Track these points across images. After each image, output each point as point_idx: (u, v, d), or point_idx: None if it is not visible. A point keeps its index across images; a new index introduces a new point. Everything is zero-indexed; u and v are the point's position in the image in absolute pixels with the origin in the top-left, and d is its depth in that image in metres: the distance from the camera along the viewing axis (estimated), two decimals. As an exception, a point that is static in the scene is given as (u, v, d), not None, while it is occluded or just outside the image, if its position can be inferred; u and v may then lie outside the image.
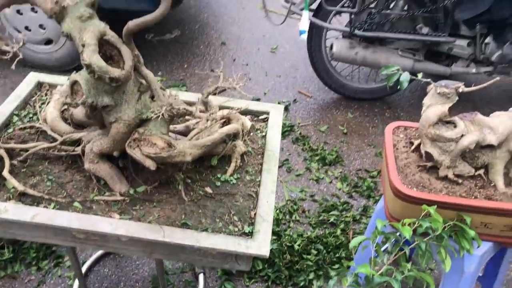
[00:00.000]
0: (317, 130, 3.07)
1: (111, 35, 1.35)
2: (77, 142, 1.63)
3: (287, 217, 2.47)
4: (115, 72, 1.30)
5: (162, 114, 1.35)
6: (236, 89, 1.46)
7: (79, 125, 1.71)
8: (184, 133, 1.69)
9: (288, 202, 2.54)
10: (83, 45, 1.29)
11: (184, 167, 1.60)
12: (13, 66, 1.45)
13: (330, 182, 2.70)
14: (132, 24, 1.32)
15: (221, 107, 1.71)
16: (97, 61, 1.27)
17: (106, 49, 1.36)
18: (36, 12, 3.16)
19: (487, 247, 1.61)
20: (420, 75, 1.50)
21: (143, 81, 1.45)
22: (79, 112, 1.67)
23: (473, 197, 1.51)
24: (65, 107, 1.75)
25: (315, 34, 3.06)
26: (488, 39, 2.94)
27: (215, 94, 1.56)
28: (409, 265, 1.37)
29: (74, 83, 1.36)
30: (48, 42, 3.29)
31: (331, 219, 2.46)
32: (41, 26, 3.22)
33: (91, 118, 1.52)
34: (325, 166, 2.80)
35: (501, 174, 1.55)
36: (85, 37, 1.29)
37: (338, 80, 3.27)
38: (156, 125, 1.46)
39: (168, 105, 1.36)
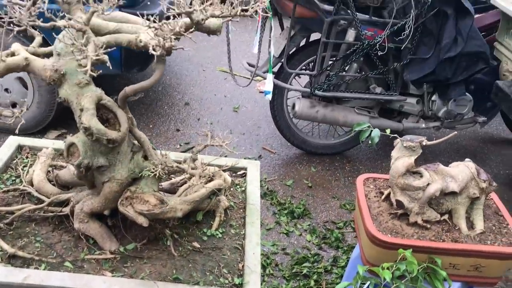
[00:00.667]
0: (284, 185, 3.19)
1: (107, 100, 1.44)
2: (64, 203, 1.66)
3: (261, 271, 2.52)
4: (113, 134, 1.38)
5: (158, 172, 1.43)
6: (223, 146, 1.56)
7: (64, 186, 1.74)
8: (169, 190, 1.77)
9: (261, 256, 2.60)
10: (81, 110, 1.36)
11: (171, 223, 1.66)
12: None
13: (300, 235, 2.80)
14: (129, 89, 1.42)
15: (205, 164, 1.81)
16: (96, 124, 1.35)
17: (102, 113, 1.44)
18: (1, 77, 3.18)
19: (456, 287, 1.74)
20: (388, 131, 1.67)
21: (136, 142, 1.53)
22: (65, 174, 1.72)
23: (441, 240, 1.65)
24: (50, 169, 1.78)
25: (278, 94, 3.24)
26: (434, 97, 3.23)
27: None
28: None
29: (70, 145, 1.42)
30: (13, 105, 3.30)
31: (304, 271, 2.53)
32: (6, 90, 3.24)
33: (82, 178, 1.57)
34: (294, 220, 2.90)
35: (463, 218, 1.71)
36: (84, 102, 1.37)
37: (300, 136, 3.44)
38: (148, 183, 1.53)
39: (162, 163, 1.44)
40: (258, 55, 2.96)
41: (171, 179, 1.83)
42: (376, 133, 1.64)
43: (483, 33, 3.10)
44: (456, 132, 1.75)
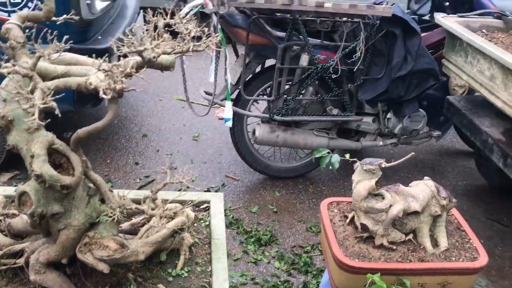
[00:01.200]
0: (249, 212, 3.16)
1: (59, 144, 1.38)
2: (18, 254, 1.57)
3: (231, 303, 2.47)
4: (67, 179, 1.32)
5: (116, 216, 1.38)
6: (183, 183, 1.52)
7: (17, 236, 1.66)
8: (130, 231, 1.71)
9: (230, 288, 2.55)
10: (32, 156, 1.31)
11: (133, 266, 1.60)
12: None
13: (268, 263, 2.76)
14: (82, 131, 1.37)
15: (165, 201, 1.76)
16: (48, 170, 1.29)
17: (54, 158, 1.38)
18: None
19: (426, 306, 1.75)
20: (347, 156, 1.68)
21: (92, 185, 1.47)
22: (18, 222, 1.63)
23: (408, 261, 1.66)
24: (2, 218, 1.69)
25: (237, 121, 3.23)
26: (389, 115, 3.31)
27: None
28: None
29: (22, 194, 1.35)
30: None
31: (275, 300, 2.50)
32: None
33: (36, 227, 1.49)
34: (262, 247, 2.86)
35: (428, 237, 1.73)
36: (34, 148, 1.31)
37: (262, 161, 3.44)
38: (107, 227, 1.47)
39: (121, 206, 1.39)
40: (215, 83, 2.95)
41: (131, 219, 1.77)
42: (335, 158, 1.64)
43: (430, 51, 3.21)
44: (413, 153, 1.78)
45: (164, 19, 1.43)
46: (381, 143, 3.39)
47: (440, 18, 2.95)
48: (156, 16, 1.44)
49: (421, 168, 3.73)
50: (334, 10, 2.83)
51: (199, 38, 1.46)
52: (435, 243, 1.75)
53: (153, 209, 1.44)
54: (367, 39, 2.98)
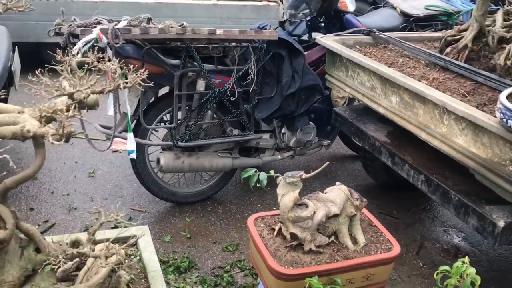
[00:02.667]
0: (162, 242, 3.13)
1: (-15, 197, 1.29)
2: None
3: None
4: (0, 234, 1.24)
5: (61, 263, 1.32)
6: (118, 219, 1.51)
7: None
8: (63, 278, 1.63)
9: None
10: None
11: (72, 314, 1.53)
12: None
13: (191, 288, 2.77)
14: (10, 181, 1.30)
15: (96, 242, 1.71)
16: (-22, 227, 1.21)
17: (-19, 213, 1.29)
18: None
19: (354, 300, 1.92)
20: (272, 172, 1.79)
21: (23, 236, 1.39)
22: None
23: (335, 261, 1.82)
24: None
25: (138, 152, 3.19)
26: (284, 130, 3.53)
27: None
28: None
29: None
30: None
31: (205, 324, 2.51)
32: None
33: (-38, 291, 1.36)
34: (182, 274, 2.85)
35: (348, 236, 1.91)
36: (-42, 205, 1.22)
37: (167, 189, 3.43)
38: (44, 277, 1.40)
39: (62, 252, 1.33)
40: (115, 116, 2.90)
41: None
42: (263, 176, 1.75)
43: (312, 68, 3.51)
44: (328, 162, 1.96)
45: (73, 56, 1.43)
46: (279, 157, 3.60)
47: (320, 38, 3.25)
48: (66, 55, 1.43)
49: (316, 176, 4.00)
50: (226, 36, 2.97)
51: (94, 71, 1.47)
52: (354, 241, 1.93)
53: (93, 250, 1.40)
54: (257, 62, 3.17)
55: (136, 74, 1.34)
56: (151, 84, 1.51)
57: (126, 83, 1.33)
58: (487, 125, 2.00)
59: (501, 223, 2.07)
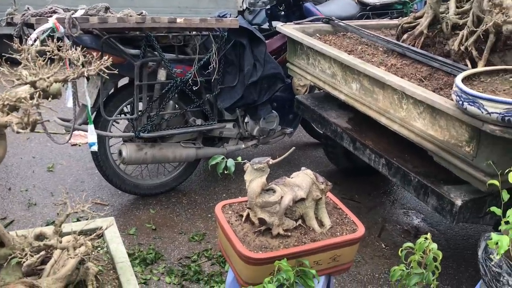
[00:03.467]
0: (127, 235, 3.09)
1: None
2: None
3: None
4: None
5: (27, 256, 1.29)
6: (85, 210, 1.48)
7: None
8: (29, 273, 1.59)
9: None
10: None
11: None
12: None
13: (159, 280, 2.75)
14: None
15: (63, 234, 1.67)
16: None
17: None
18: None
19: (322, 281, 1.97)
20: (239, 158, 1.80)
21: (-15, 230, 1.35)
22: None
23: (303, 243, 1.85)
24: None
25: (100, 144, 3.13)
26: (247, 119, 3.54)
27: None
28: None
29: None
30: None
31: (174, 314, 2.50)
32: None
33: None
34: (148, 266, 2.83)
35: (314, 219, 1.95)
36: None
37: (130, 182, 3.38)
38: (9, 272, 1.36)
39: (27, 245, 1.30)
40: (75, 108, 2.82)
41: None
42: (231, 163, 1.76)
43: (274, 56, 3.53)
44: (294, 148, 1.98)
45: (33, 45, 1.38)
46: (243, 146, 3.61)
47: (280, 26, 3.27)
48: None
49: (280, 164, 4.04)
50: (186, 25, 2.94)
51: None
52: (320, 224, 1.97)
53: (61, 242, 1.37)
54: (219, 51, 3.16)
55: (100, 61, 1.32)
56: (115, 72, 1.48)
57: (90, 70, 1.30)
58: (444, 108, 2.08)
59: (459, 202, 2.16)
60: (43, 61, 1.37)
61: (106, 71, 1.36)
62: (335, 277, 2.73)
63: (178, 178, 3.54)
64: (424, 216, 3.52)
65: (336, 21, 3.33)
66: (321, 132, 3.82)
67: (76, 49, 1.34)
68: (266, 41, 3.52)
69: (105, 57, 1.43)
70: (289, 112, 3.75)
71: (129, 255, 2.86)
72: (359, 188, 3.80)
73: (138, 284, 2.69)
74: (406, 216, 3.53)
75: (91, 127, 2.85)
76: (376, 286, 2.80)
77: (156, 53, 2.98)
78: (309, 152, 4.40)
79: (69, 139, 2.91)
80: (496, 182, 1.81)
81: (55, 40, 1.47)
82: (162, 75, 3.09)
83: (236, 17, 3.34)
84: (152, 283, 2.72)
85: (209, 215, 3.34)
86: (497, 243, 1.48)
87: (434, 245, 1.55)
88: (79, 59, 1.30)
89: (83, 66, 1.42)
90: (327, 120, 3.02)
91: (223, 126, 3.41)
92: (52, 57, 1.43)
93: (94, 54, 2.85)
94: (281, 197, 1.84)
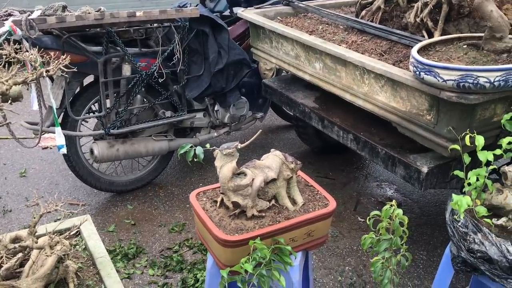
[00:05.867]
0: (106, 232, 3.10)
1: None
2: None
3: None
4: None
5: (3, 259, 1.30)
6: (58, 210, 1.50)
7: None
8: (7, 276, 1.60)
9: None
10: None
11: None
12: None
13: (142, 273, 2.77)
14: None
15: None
16: None
17: None
18: None
19: (299, 257, 2.02)
20: (208, 145, 1.83)
21: (-42, 238, 1.35)
22: None
23: (277, 222, 1.90)
24: None
25: (70, 145, 3.12)
26: (217, 107, 3.56)
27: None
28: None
29: None
30: None
31: (160, 304, 2.54)
32: None
33: None
34: (131, 261, 2.85)
35: (287, 198, 2.00)
36: None
37: (105, 179, 3.38)
38: (-13, 277, 1.37)
39: (2, 248, 1.31)
40: (41, 110, 2.80)
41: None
42: (200, 150, 1.78)
43: (238, 42, 3.55)
44: (261, 130, 2.02)
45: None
46: (215, 134, 3.64)
47: (241, 12, 3.29)
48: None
49: (253, 148, 4.09)
50: (146, 17, 2.93)
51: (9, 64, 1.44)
52: (293, 202, 2.02)
53: (36, 243, 1.39)
54: (182, 41, 3.16)
55: (58, 61, 1.32)
56: (75, 70, 1.48)
57: (48, 71, 1.30)
58: (403, 79, 2.15)
59: (425, 169, 2.24)
60: (0, 64, 1.37)
61: (65, 70, 1.37)
62: (314, 252, 2.81)
63: (153, 172, 3.55)
64: (397, 187, 3.62)
65: (296, 3, 3.36)
66: (291, 114, 3.87)
67: (34, 49, 1.34)
68: (229, 28, 3.53)
69: (63, 56, 1.43)
70: (258, 97, 3.78)
71: (110, 251, 2.90)
72: (333, 166, 3.87)
73: (122, 279, 2.73)
74: (379, 188, 3.62)
75: (58, 129, 2.82)
76: (355, 258, 2.88)
77: (118, 48, 2.97)
78: (281, 134, 4.45)
79: (38, 142, 2.88)
80: (457, 146, 1.89)
81: (11, 43, 1.47)
82: (126, 70, 3.08)
83: (196, 5, 3.34)
84: (136, 276, 2.75)
85: (187, 206, 3.38)
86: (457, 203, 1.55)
87: (400, 211, 1.61)
88: (37, 60, 1.30)
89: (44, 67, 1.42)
90: (294, 102, 3.07)
91: (193, 116, 3.42)
92: (10, 60, 1.43)
93: (55, 54, 2.84)
94: (252, 179, 1.88)
